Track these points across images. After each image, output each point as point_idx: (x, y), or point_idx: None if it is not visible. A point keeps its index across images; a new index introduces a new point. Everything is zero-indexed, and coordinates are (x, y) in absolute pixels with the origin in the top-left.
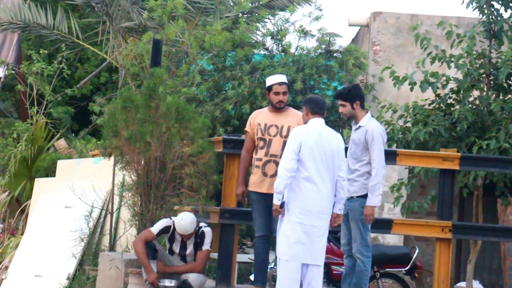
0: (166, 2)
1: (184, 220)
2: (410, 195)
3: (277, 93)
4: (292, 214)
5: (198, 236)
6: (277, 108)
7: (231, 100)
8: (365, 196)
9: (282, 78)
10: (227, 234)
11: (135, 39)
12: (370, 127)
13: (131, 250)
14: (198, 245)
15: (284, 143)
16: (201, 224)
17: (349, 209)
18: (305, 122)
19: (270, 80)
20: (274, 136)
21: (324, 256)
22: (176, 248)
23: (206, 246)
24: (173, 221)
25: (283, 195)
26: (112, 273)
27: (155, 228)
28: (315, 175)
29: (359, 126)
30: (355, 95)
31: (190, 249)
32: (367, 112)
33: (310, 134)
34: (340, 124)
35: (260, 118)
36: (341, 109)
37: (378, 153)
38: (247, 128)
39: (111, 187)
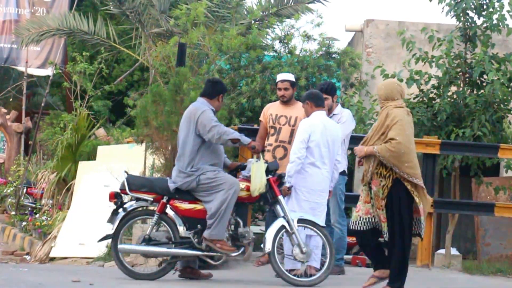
0: (189, 11)
1: None
2: None
3: (279, 89)
4: (300, 193)
5: None
6: (282, 102)
7: (245, 95)
8: (343, 173)
9: (284, 76)
10: (241, 210)
11: (163, 43)
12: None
13: None
14: None
15: (292, 131)
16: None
17: None
18: (309, 114)
19: (277, 78)
20: (284, 125)
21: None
22: None
23: None
24: None
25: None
26: None
27: None
28: (319, 160)
29: (333, 114)
30: (334, 90)
31: None
32: (338, 104)
33: (316, 126)
34: None
35: (272, 109)
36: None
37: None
38: (261, 118)
39: (143, 169)
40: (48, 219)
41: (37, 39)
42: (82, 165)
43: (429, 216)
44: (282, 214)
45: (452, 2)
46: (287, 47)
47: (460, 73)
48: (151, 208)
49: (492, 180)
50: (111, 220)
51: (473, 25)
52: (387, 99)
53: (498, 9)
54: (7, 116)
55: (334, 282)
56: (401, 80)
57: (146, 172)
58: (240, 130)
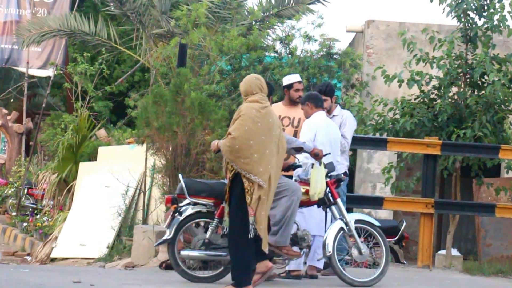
0: (190, 12)
1: None
2: (399, 176)
3: (297, 90)
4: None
5: None
6: (296, 103)
7: None
8: (344, 174)
9: (299, 77)
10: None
11: (164, 44)
12: (345, 114)
13: (161, 223)
14: None
15: (295, 132)
16: None
17: None
18: (309, 116)
19: (290, 79)
20: (287, 126)
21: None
22: None
23: None
24: None
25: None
26: (145, 243)
27: None
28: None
29: (333, 116)
30: (333, 91)
31: None
32: (337, 105)
33: (320, 126)
34: None
35: (274, 110)
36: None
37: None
38: None
39: (144, 169)
40: (49, 220)
41: (38, 39)
42: (83, 166)
43: (430, 217)
44: (339, 216)
45: (453, 3)
46: (288, 48)
47: (461, 74)
48: (206, 211)
49: (493, 181)
50: (168, 224)
51: (474, 26)
52: (247, 94)
53: (499, 10)
54: (8, 117)
55: (334, 283)
56: (402, 81)
57: (147, 173)
58: None
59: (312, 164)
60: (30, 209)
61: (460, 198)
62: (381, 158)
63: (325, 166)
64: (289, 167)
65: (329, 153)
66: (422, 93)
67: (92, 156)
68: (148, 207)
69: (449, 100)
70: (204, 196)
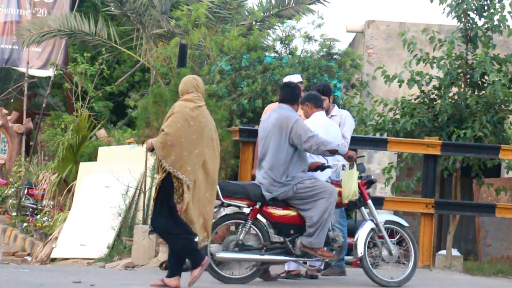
0: (190, 12)
1: None
2: (399, 176)
3: None
4: None
5: None
6: None
7: (246, 96)
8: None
9: (301, 77)
10: None
11: (164, 44)
12: (343, 114)
13: None
14: None
15: None
16: None
17: None
18: (308, 116)
19: (291, 79)
20: None
21: None
22: None
23: None
24: None
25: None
26: (145, 243)
27: None
28: (322, 160)
29: (332, 116)
30: (330, 91)
31: None
32: (334, 105)
33: (319, 126)
34: None
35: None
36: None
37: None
38: (262, 119)
39: (144, 170)
40: (49, 220)
41: (38, 40)
42: (83, 166)
43: (430, 217)
44: (369, 217)
45: (453, 3)
46: (288, 48)
47: (461, 74)
48: (237, 211)
49: (493, 181)
50: None
51: (474, 26)
52: (182, 93)
53: (499, 10)
54: (8, 117)
55: (335, 283)
56: (402, 81)
57: (147, 173)
58: (241, 131)
59: (343, 166)
60: (30, 209)
61: (460, 198)
62: (381, 158)
63: (357, 168)
64: (318, 168)
65: (363, 156)
66: (422, 93)
67: (92, 156)
68: (148, 207)
69: (449, 100)
70: (238, 198)
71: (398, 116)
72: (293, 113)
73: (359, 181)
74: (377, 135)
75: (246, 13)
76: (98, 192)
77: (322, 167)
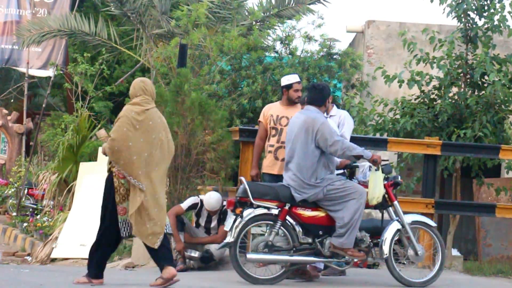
0: (190, 12)
1: (212, 199)
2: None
3: (296, 90)
4: None
5: (222, 213)
6: (295, 103)
7: (246, 96)
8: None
9: (298, 77)
10: None
11: (164, 44)
12: (342, 114)
13: None
14: (221, 220)
15: None
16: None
17: None
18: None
19: (289, 79)
20: (285, 126)
21: None
22: (202, 221)
23: None
24: (200, 199)
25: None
26: None
27: (185, 204)
28: None
29: (331, 116)
30: (329, 91)
31: (214, 223)
32: (333, 105)
33: None
34: None
35: (272, 110)
36: None
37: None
38: (260, 119)
39: None
40: (49, 220)
41: (38, 40)
42: (83, 166)
43: (430, 217)
44: (395, 217)
45: (453, 3)
46: (288, 48)
47: (461, 74)
48: (266, 212)
49: (493, 181)
50: (230, 227)
51: (474, 26)
52: (132, 97)
53: (499, 10)
54: (8, 117)
55: (335, 283)
56: (402, 81)
57: None
58: (241, 131)
59: (370, 166)
60: (30, 209)
61: (460, 198)
62: None
63: (383, 170)
64: (346, 167)
65: (388, 160)
66: (422, 94)
67: (92, 156)
68: None
69: (450, 100)
70: (268, 199)
71: (398, 116)
72: (320, 115)
73: (385, 182)
74: (377, 135)
75: (246, 13)
76: (98, 192)
77: (350, 166)
